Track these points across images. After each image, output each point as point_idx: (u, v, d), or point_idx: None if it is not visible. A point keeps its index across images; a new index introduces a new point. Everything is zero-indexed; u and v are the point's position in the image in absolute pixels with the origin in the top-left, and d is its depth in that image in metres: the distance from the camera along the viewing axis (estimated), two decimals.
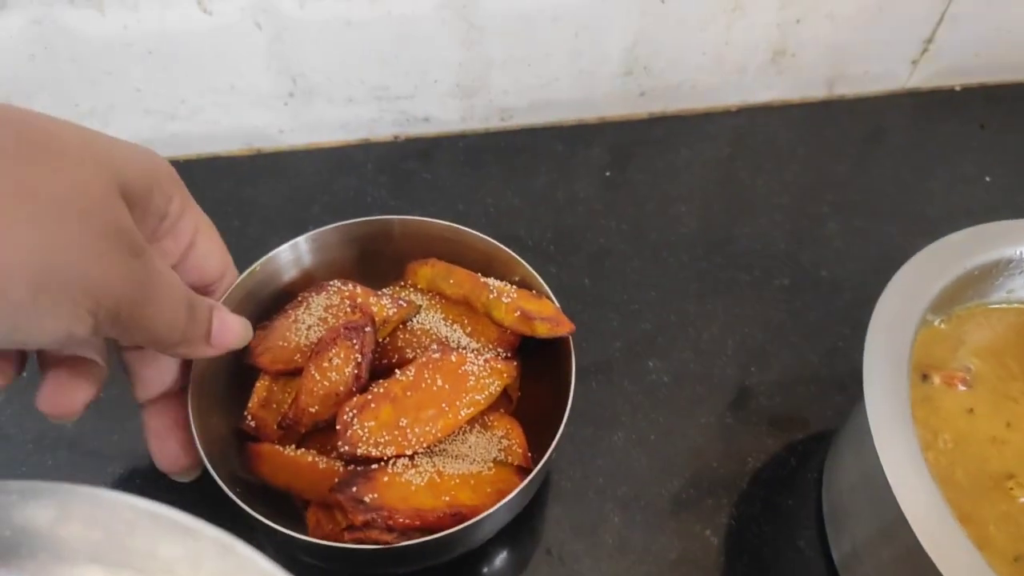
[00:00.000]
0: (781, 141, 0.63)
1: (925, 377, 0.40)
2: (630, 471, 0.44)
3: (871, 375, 0.35)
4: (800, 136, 0.63)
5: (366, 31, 0.53)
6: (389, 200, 0.57)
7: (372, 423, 0.36)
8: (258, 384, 0.40)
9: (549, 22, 0.54)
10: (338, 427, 0.36)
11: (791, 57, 0.61)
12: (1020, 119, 0.65)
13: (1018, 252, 0.40)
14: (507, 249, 0.42)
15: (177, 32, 0.51)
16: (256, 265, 0.41)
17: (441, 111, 0.58)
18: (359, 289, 0.42)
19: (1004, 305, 0.43)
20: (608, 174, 0.59)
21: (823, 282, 0.54)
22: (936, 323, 0.42)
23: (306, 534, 0.35)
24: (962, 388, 0.40)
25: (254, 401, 0.40)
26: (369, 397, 0.37)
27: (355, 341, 0.38)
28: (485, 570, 0.41)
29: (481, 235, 0.42)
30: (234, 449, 0.39)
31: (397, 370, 0.39)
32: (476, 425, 0.39)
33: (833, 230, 0.57)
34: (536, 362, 0.41)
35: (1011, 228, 0.41)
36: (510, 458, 0.38)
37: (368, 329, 0.38)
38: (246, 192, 0.57)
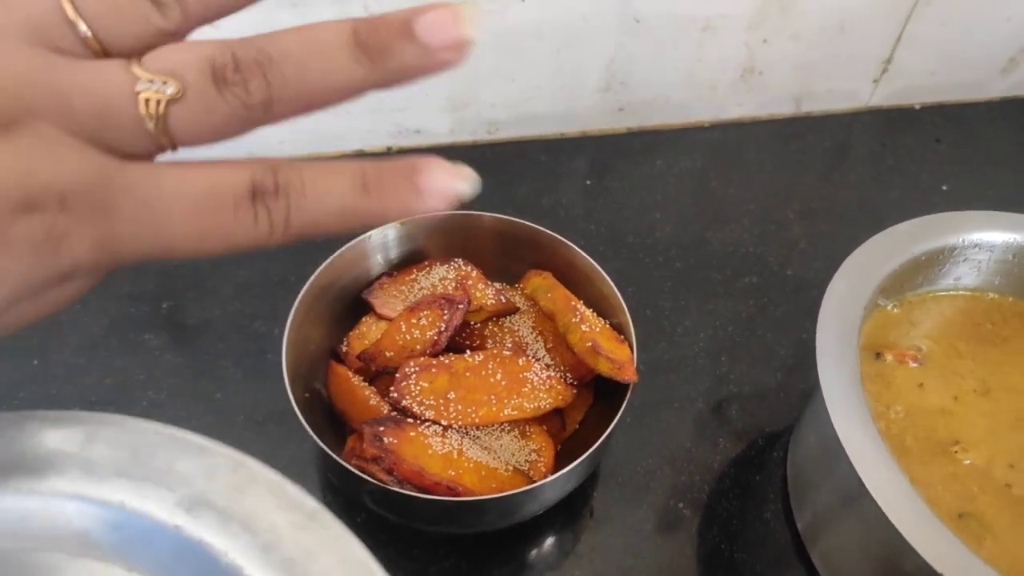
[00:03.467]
0: (751, 154, 0.66)
1: (879, 355, 0.44)
2: (608, 449, 0.47)
3: (823, 348, 0.38)
4: (769, 150, 0.67)
5: None
6: None
7: (426, 384, 0.40)
8: (365, 318, 0.46)
9: (534, 39, 0.58)
10: (397, 375, 0.40)
11: (759, 75, 0.65)
12: (974, 135, 0.70)
13: (961, 240, 0.44)
14: (618, 293, 0.44)
15: None
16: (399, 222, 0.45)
17: (432, 124, 0.62)
18: (475, 273, 0.46)
19: (952, 292, 0.47)
20: (589, 183, 0.63)
21: (789, 280, 0.57)
22: (889, 307, 0.45)
23: (340, 454, 0.39)
24: (913, 365, 0.43)
25: (355, 331, 0.45)
26: (433, 363, 0.40)
27: (445, 312, 0.42)
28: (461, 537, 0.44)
29: (603, 273, 0.45)
30: (325, 363, 0.44)
31: (469, 351, 0.42)
32: (516, 430, 0.41)
33: (798, 234, 0.60)
34: (607, 409, 0.42)
35: (953, 219, 0.44)
36: (532, 473, 0.40)
37: (461, 306, 0.42)
38: None
